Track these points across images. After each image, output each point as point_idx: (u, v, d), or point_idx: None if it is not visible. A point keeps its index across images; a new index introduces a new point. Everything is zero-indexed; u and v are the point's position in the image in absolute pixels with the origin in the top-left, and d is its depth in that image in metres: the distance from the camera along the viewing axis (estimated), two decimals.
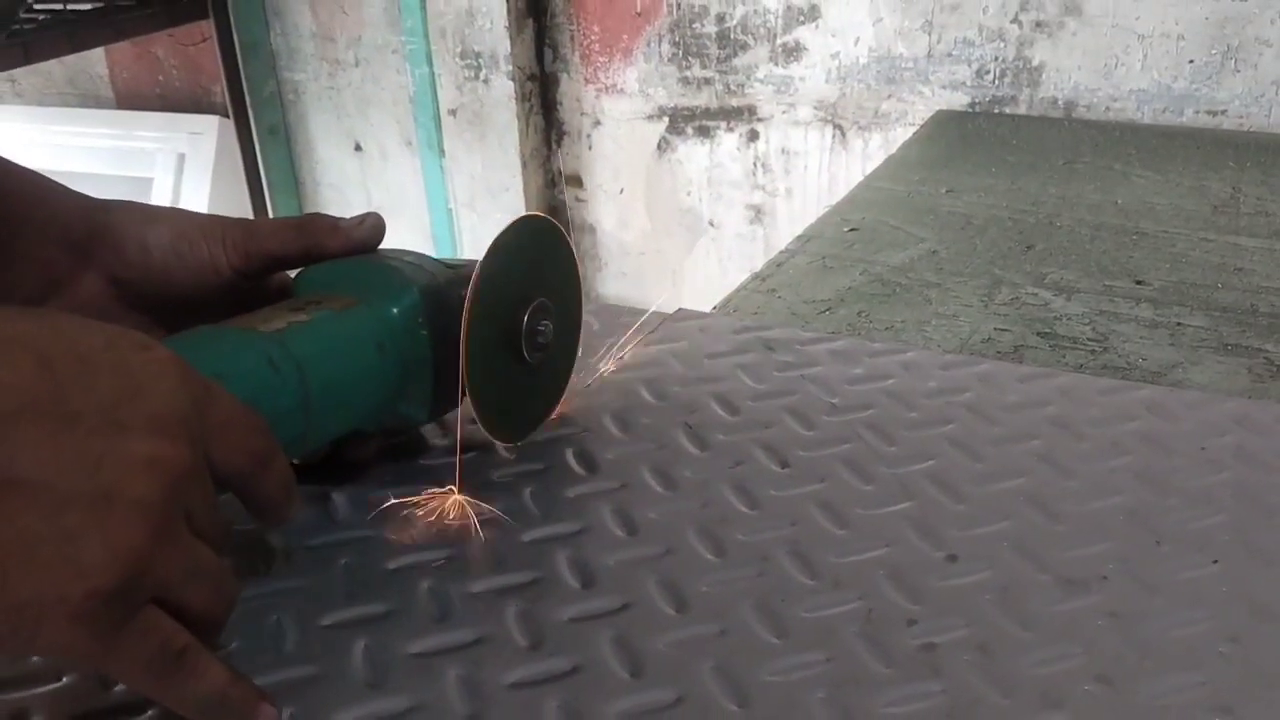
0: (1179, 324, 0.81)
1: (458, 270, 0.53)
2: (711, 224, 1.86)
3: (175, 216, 0.53)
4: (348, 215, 0.53)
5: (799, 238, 1.03)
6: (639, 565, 0.48)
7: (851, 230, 1.03)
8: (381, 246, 0.55)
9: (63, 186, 0.53)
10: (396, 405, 0.52)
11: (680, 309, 0.73)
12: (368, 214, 0.53)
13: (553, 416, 0.58)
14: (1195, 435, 0.57)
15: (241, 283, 0.53)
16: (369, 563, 0.49)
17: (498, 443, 0.55)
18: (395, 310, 0.50)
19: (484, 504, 0.51)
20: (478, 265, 0.50)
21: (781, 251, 0.99)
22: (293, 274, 0.53)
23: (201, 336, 0.45)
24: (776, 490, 0.53)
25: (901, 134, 1.56)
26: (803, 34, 1.64)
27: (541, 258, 0.55)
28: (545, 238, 0.55)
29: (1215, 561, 0.47)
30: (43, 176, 0.53)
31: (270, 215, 2.10)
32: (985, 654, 0.42)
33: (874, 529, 0.50)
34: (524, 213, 0.53)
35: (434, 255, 0.54)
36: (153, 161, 2.28)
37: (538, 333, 0.53)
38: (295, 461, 0.46)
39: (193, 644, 0.35)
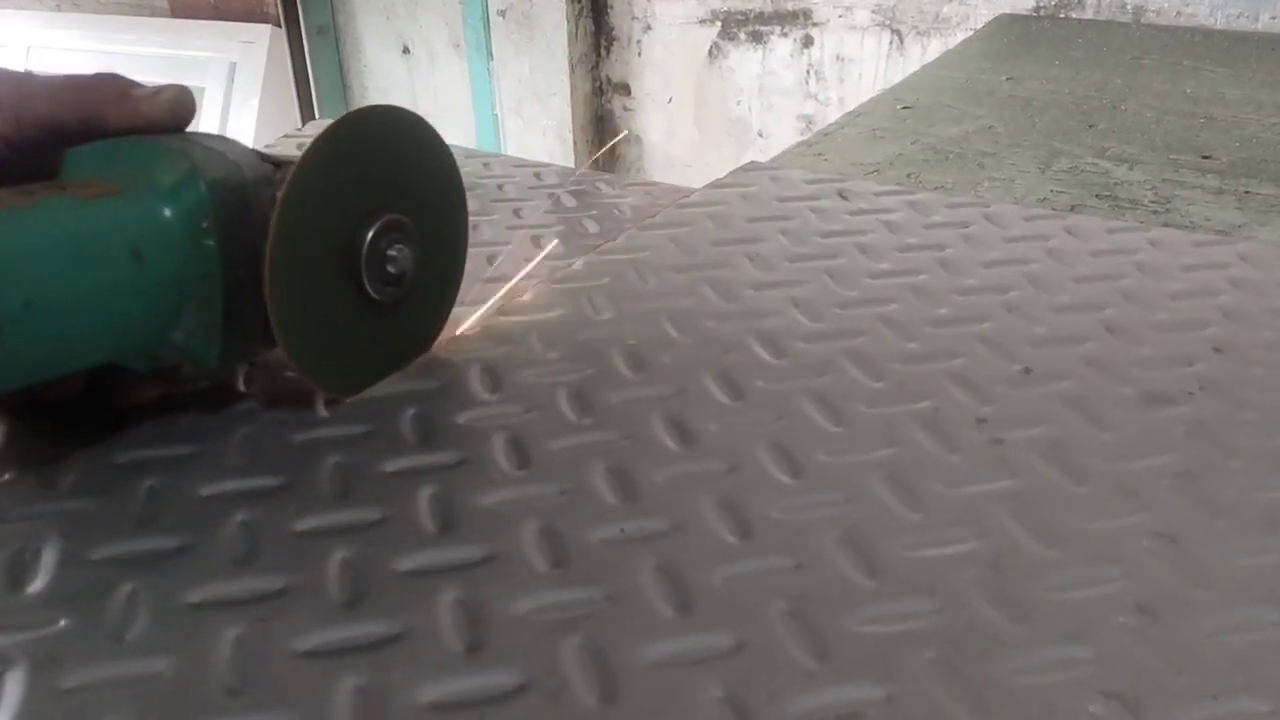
0: (1246, 192, 0.77)
1: (282, 168, 0.39)
2: (760, 135, 1.82)
3: None
4: None
5: (849, 113, 0.99)
6: (691, 364, 0.46)
7: (905, 108, 0.99)
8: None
9: None
10: (170, 335, 0.38)
11: (751, 161, 0.71)
12: (168, 85, 0.41)
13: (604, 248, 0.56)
14: None
15: (15, 158, 0.39)
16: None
17: (324, 393, 0.42)
18: (167, 209, 0.37)
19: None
20: (297, 160, 0.37)
21: (830, 124, 0.96)
22: None
23: None
24: (841, 310, 0.50)
25: (961, 39, 1.51)
26: None
27: (403, 161, 0.42)
28: (409, 135, 0.42)
29: None
30: None
31: (316, 120, 2.09)
32: (1058, 449, 0.40)
33: (945, 346, 0.47)
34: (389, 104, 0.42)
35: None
36: (204, 71, 2.27)
37: (387, 259, 0.41)
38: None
39: None
